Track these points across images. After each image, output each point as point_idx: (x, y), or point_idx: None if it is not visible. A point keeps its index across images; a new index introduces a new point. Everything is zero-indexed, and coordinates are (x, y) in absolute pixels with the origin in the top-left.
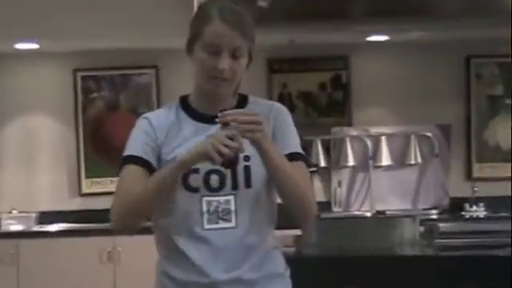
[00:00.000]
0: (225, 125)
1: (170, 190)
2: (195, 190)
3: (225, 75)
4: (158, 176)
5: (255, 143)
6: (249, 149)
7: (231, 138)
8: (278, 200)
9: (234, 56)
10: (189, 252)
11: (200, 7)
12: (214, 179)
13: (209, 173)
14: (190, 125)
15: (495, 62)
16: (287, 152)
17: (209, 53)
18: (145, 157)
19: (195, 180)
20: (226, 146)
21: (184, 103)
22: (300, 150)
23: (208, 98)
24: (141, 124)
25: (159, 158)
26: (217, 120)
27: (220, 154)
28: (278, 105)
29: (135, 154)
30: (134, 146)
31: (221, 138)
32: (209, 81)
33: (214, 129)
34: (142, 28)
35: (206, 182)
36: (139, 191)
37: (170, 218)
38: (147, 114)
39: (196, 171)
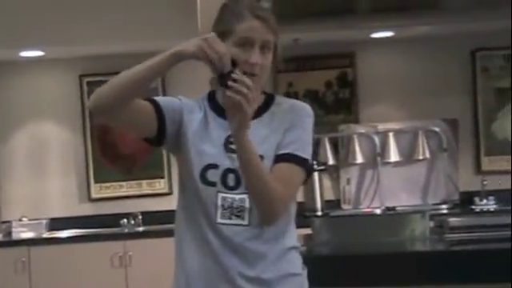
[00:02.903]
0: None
1: (154, 75)
2: (212, 184)
3: (255, 70)
4: (148, 61)
5: (235, 118)
6: (262, 148)
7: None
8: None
9: (263, 51)
10: (208, 237)
11: (225, 8)
12: (231, 177)
13: (227, 171)
14: (214, 121)
15: (501, 55)
16: (286, 151)
17: (241, 48)
18: (159, 101)
19: (213, 175)
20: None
21: (211, 99)
22: (301, 154)
23: None
24: (174, 98)
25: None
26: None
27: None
28: (301, 104)
29: (156, 99)
30: (160, 98)
31: (211, 41)
32: None
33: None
34: (146, 32)
35: (223, 178)
36: (128, 73)
37: (192, 206)
38: (181, 97)
39: (215, 167)
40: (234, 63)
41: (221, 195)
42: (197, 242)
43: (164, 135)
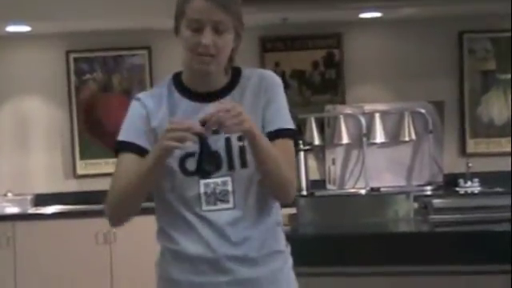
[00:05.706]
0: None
1: (152, 182)
2: (192, 173)
3: (210, 51)
4: (140, 171)
5: (246, 133)
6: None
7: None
8: None
9: (218, 31)
10: (195, 225)
11: None
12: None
13: None
14: (185, 105)
15: (488, 37)
16: (274, 128)
17: (192, 30)
18: (137, 142)
19: (192, 163)
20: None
21: (177, 81)
22: (287, 125)
23: (199, 77)
24: (134, 106)
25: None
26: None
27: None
28: (269, 75)
29: (128, 139)
30: (128, 130)
31: (174, 127)
32: (196, 59)
33: (209, 107)
34: (134, 9)
35: None
36: (125, 184)
37: (174, 196)
38: (140, 95)
39: (192, 155)
40: (201, 137)
41: (202, 182)
42: (181, 227)
43: (147, 151)
